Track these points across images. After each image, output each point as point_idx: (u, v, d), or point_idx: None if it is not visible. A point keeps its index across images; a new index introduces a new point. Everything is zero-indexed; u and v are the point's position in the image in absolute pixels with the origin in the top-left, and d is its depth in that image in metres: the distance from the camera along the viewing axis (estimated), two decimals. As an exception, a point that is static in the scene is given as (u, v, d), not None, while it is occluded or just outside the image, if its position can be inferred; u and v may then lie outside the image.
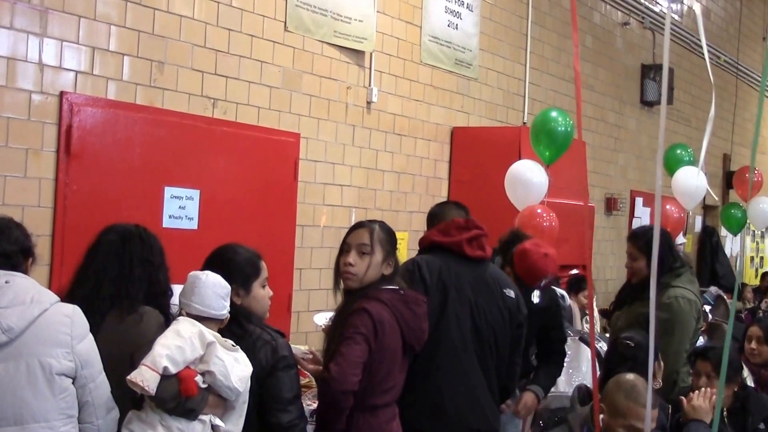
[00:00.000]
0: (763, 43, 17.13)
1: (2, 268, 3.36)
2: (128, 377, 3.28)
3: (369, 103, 7.51)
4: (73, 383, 3.31)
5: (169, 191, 5.85)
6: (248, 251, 3.95)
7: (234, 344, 3.54)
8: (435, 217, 5.02)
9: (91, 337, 3.38)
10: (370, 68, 7.51)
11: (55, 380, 3.25)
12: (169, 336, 3.41)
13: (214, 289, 3.58)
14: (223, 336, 3.59)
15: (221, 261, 3.85)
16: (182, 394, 3.35)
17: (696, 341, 5.86)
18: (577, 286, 8.38)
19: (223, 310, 3.59)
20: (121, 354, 3.54)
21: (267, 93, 6.59)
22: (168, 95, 5.88)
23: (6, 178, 5.05)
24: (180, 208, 5.90)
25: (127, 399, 3.45)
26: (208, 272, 3.64)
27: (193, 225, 5.97)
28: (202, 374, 3.42)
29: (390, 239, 4.18)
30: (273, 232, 6.49)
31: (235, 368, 3.46)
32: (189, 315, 3.54)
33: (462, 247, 4.60)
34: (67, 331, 3.30)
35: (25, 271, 3.46)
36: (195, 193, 5.99)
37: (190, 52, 6.01)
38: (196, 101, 6.07)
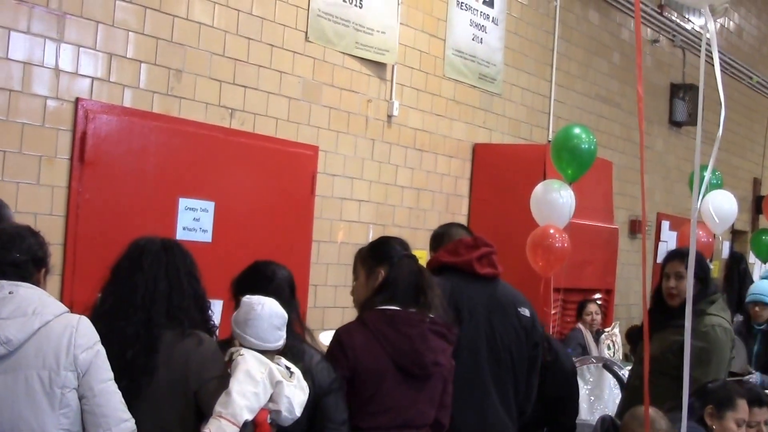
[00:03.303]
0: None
1: (10, 277, 3.26)
2: (204, 430, 3.27)
3: (390, 116, 7.43)
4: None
5: (183, 202, 5.78)
6: (283, 268, 3.98)
7: (289, 368, 3.51)
8: (440, 237, 4.87)
9: (99, 348, 3.27)
10: (392, 81, 7.44)
11: (55, 394, 3.16)
12: (242, 380, 3.34)
13: (270, 321, 3.51)
14: (285, 356, 3.58)
15: (261, 281, 3.83)
16: None
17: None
18: (580, 309, 8.31)
19: (279, 341, 3.53)
20: (175, 384, 3.49)
21: (286, 104, 6.52)
22: (185, 104, 5.82)
23: (19, 184, 4.99)
24: (194, 220, 5.84)
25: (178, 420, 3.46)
26: (263, 301, 3.55)
27: (207, 238, 5.89)
28: (271, 412, 3.41)
29: (371, 252, 4.22)
30: (288, 247, 6.40)
31: (296, 398, 3.45)
32: (243, 346, 3.48)
33: (472, 266, 4.56)
34: (71, 342, 3.20)
35: (37, 282, 3.35)
36: (210, 205, 5.91)
37: (208, 60, 5.96)
38: (214, 111, 6.01)
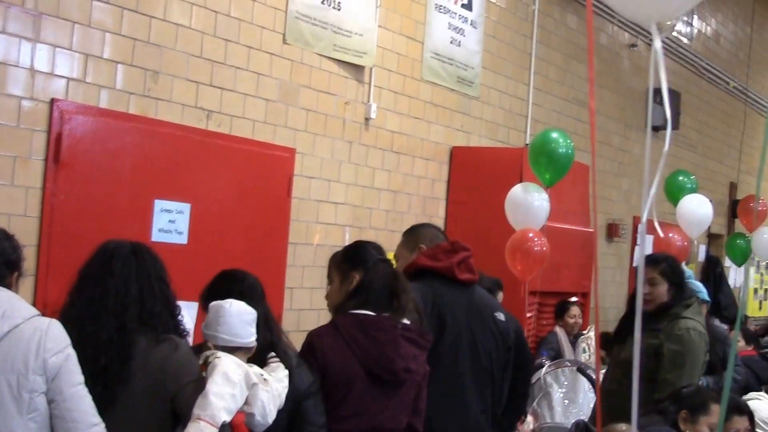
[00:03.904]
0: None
1: None
2: None
3: (367, 119, 7.43)
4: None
5: (159, 204, 5.75)
6: (249, 274, 3.99)
7: (263, 374, 3.52)
8: (416, 233, 4.92)
9: (70, 352, 3.26)
10: (370, 84, 7.44)
11: (23, 398, 3.16)
12: (219, 382, 3.35)
13: (240, 317, 3.54)
14: (269, 359, 3.63)
15: (233, 283, 3.85)
16: None
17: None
18: (562, 311, 8.32)
19: (251, 337, 3.55)
20: (152, 389, 3.49)
21: (263, 106, 6.51)
22: (162, 105, 5.80)
23: (-8, 186, 4.96)
24: (170, 222, 5.82)
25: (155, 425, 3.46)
26: (231, 300, 3.59)
27: (183, 239, 5.88)
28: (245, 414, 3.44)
29: (345, 257, 4.23)
30: (264, 249, 6.41)
31: (271, 403, 3.47)
32: (216, 347, 3.49)
33: (453, 271, 4.58)
34: (40, 346, 3.19)
35: (9, 286, 3.35)
36: (186, 207, 5.89)
37: (185, 61, 5.94)
38: (191, 112, 5.99)
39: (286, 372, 3.63)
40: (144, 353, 3.51)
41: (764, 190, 15.27)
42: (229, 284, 3.85)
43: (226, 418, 3.30)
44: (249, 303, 3.63)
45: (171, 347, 3.55)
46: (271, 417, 3.47)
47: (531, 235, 7.11)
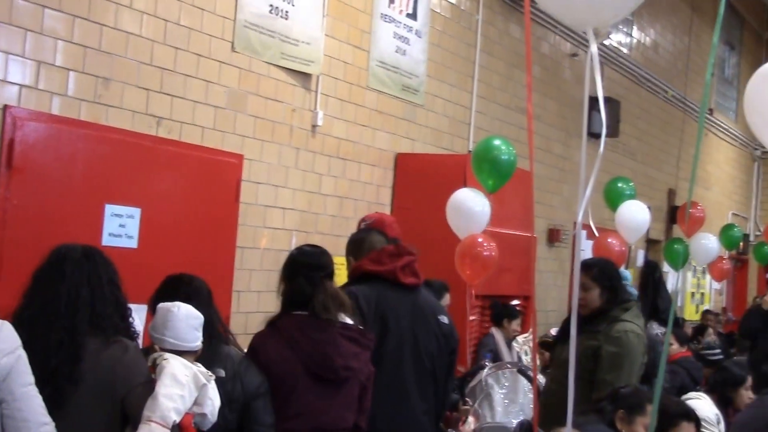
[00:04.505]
0: (711, 78, 17.41)
1: None
2: None
3: (314, 126, 7.52)
4: None
5: (110, 209, 5.79)
6: (195, 277, 4.09)
7: (209, 373, 3.58)
8: (360, 243, 4.99)
9: (21, 353, 3.29)
10: (317, 91, 7.54)
11: None
12: (168, 384, 3.41)
13: (187, 321, 3.61)
14: (208, 361, 3.68)
15: (180, 285, 3.95)
16: None
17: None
18: (503, 314, 8.46)
19: (197, 341, 3.62)
20: (103, 391, 3.55)
21: (212, 113, 6.58)
22: (113, 112, 5.85)
23: (-55, 191, 4.97)
24: (120, 227, 5.85)
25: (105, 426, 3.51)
26: (179, 304, 3.65)
27: (133, 243, 5.93)
28: (196, 415, 3.49)
29: (285, 265, 4.36)
30: (212, 252, 6.47)
31: (216, 401, 3.54)
32: (163, 349, 3.55)
33: (396, 275, 4.66)
34: None
35: None
36: (136, 212, 5.95)
37: (136, 69, 6.00)
38: (141, 119, 6.04)
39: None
40: (94, 355, 3.56)
41: (702, 196, 15.63)
42: (175, 287, 3.94)
43: (176, 418, 3.37)
44: (196, 306, 3.71)
45: (121, 349, 3.62)
46: (219, 415, 3.57)
47: (480, 240, 7.26)
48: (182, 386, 3.42)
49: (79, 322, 3.58)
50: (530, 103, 2.73)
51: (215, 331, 3.91)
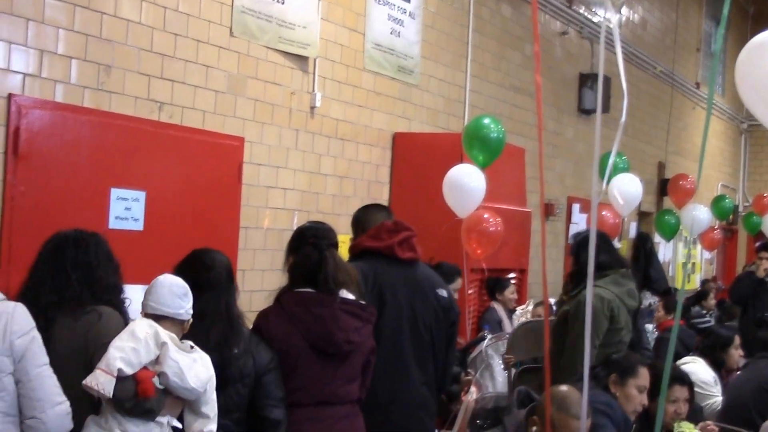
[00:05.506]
0: (697, 54, 17.51)
1: None
2: (84, 382, 3.38)
3: (312, 108, 7.61)
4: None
5: (115, 192, 5.87)
6: (221, 254, 4.22)
7: (193, 346, 3.65)
8: (360, 222, 5.07)
9: (35, 334, 3.42)
10: (314, 74, 7.62)
11: None
12: (123, 338, 3.49)
13: (170, 288, 3.68)
14: (227, 340, 3.80)
15: (203, 266, 4.04)
16: (139, 395, 3.46)
17: (618, 341, 5.79)
18: (495, 288, 8.60)
19: (180, 309, 3.67)
20: (78, 353, 3.63)
21: (212, 97, 6.66)
22: (115, 98, 5.92)
23: (-47, 179, 5.05)
24: (126, 210, 5.94)
25: (86, 399, 3.52)
26: (166, 274, 3.76)
27: (139, 226, 6.01)
28: (158, 375, 3.52)
29: (292, 238, 4.53)
30: (217, 233, 6.54)
31: (192, 369, 3.56)
32: (147, 315, 3.63)
33: (393, 250, 4.74)
34: (7, 328, 3.33)
35: None
36: (141, 195, 6.03)
37: (137, 56, 6.07)
38: (143, 105, 6.12)
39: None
40: (68, 326, 3.67)
41: (692, 169, 15.74)
42: (195, 270, 4.02)
43: (123, 367, 3.41)
44: (212, 293, 3.88)
45: (95, 316, 3.72)
46: (193, 382, 3.56)
47: (486, 215, 7.38)
48: (138, 341, 3.48)
49: (43, 308, 3.68)
50: (538, 75, 2.82)
51: (231, 312, 4.03)
